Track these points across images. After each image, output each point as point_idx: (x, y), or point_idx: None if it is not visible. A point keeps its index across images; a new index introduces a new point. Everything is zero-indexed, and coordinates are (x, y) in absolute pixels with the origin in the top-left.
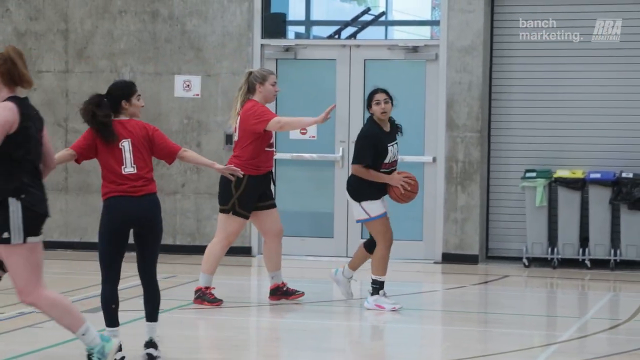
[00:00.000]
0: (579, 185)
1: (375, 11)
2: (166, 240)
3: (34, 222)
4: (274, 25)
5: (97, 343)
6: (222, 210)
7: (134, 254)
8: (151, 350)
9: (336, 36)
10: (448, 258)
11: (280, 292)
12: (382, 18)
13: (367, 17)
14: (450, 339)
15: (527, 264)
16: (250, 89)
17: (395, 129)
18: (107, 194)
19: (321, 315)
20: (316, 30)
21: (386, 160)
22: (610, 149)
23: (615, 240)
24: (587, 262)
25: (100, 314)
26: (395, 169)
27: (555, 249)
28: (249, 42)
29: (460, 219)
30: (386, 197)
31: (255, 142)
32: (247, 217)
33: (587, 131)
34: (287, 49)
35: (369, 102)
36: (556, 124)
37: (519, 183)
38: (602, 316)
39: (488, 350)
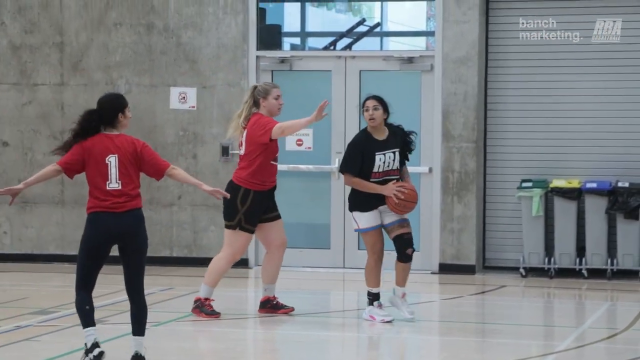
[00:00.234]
0: (575, 195)
1: (370, 22)
2: (163, 252)
3: None
4: (269, 36)
5: None
6: (228, 226)
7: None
8: None
9: (331, 47)
10: (445, 268)
11: (269, 305)
12: (377, 29)
13: (362, 28)
14: (448, 350)
15: (524, 273)
16: (256, 103)
17: (396, 137)
18: (90, 208)
19: (318, 327)
20: (311, 42)
21: (375, 170)
22: (606, 159)
23: (612, 249)
24: (584, 272)
25: (100, 327)
26: (392, 179)
27: (552, 259)
28: (244, 54)
29: (456, 229)
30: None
31: (263, 155)
32: (252, 232)
33: (583, 141)
34: (283, 60)
35: (362, 109)
36: (552, 134)
37: (515, 193)
38: (599, 326)
39: None
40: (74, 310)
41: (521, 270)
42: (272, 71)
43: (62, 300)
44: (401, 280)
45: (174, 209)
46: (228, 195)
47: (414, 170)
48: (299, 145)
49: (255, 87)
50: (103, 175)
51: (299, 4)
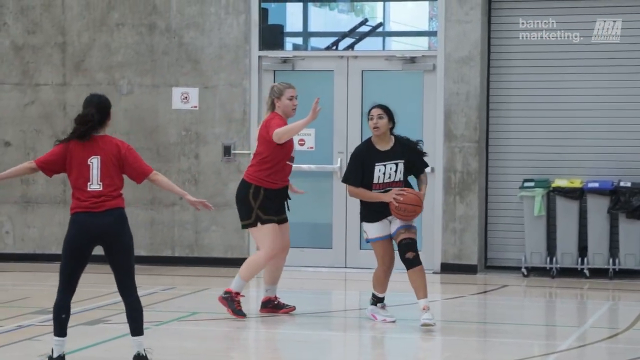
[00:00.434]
0: (577, 194)
1: (372, 22)
2: (164, 252)
3: None
4: (272, 36)
5: None
6: (246, 225)
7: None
8: None
9: (334, 47)
10: (447, 268)
11: (271, 305)
12: (380, 29)
13: (364, 28)
14: (450, 349)
15: (525, 273)
16: (272, 103)
17: (403, 147)
18: (72, 209)
19: (319, 327)
20: (314, 42)
21: (375, 181)
22: (608, 158)
23: (613, 249)
24: (586, 271)
25: (98, 327)
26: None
27: (554, 259)
28: (247, 54)
29: (458, 229)
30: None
31: (274, 155)
32: (276, 221)
33: (585, 140)
34: (285, 60)
35: (367, 118)
36: (554, 134)
37: (517, 193)
38: (601, 325)
39: None
40: (77, 309)
41: (523, 269)
42: (274, 71)
43: None
44: (418, 291)
45: (176, 208)
46: (212, 208)
47: None
48: (301, 145)
49: (272, 87)
50: (85, 176)
51: (301, 4)
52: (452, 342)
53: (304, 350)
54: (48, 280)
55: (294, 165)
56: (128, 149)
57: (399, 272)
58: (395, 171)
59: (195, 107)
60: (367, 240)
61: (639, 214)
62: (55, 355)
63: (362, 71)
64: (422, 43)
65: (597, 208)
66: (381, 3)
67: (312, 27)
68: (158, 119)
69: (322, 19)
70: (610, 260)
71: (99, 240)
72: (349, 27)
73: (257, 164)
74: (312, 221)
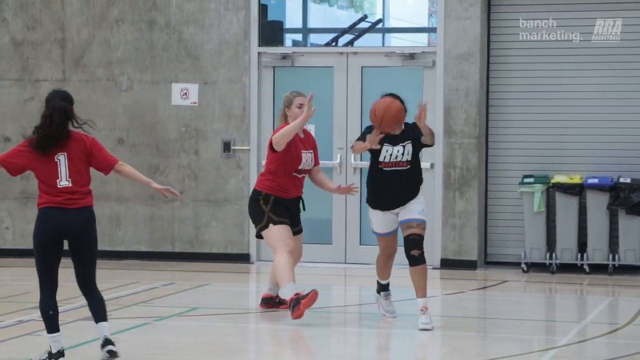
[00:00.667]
0: (577, 190)
1: (372, 18)
2: (164, 247)
3: None
4: (271, 33)
5: None
6: (261, 228)
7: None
8: (110, 347)
9: (333, 43)
10: (447, 264)
11: (272, 303)
12: (379, 25)
13: (364, 25)
14: (450, 345)
15: (525, 269)
16: (285, 114)
17: (410, 129)
18: (41, 204)
19: (320, 322)
20: (313, 38)
21: (381, 159)
22: (608, 154)
23: (613, 245)
24: (586, 267)
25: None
26: (402, 170)
27: (554, 254)
28: (246, 50)
29: (458, 224)
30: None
31: (277, 164)
32: (287, 223)
33: (585, 137)
34: (284, 56)
35: None
36: (554, 130)
37: (517, 189)
38: (600, 321)
39: (487, 356)
40: (75, 305)
41: (523, 265)
42: (273, 67)
43: (63, 295)
44: (418, 290)
45: (176, 204)
46: (178, 194)
47: None
48: None
49: (283, 97)
50: (53, 173)
51: (300, 0)
52: (451, 337)
53: (303, 345)
54: None
55: None
56: (92, 140)
57: (400, 268)
58: (403, 153)
59: (195, 103)
60: (373, 232)
61: (638, 209)
62: (54, 351)
63: (362, 67)
64: (421, 39)
65: (597, 204)
66: None
67: (312, 24)
68: (158, 115)
69: (322, 15)
70: (610, 256)
71: (67, 236)
72: (349, 23)
73: (266, 173)
74: (311, 217)
